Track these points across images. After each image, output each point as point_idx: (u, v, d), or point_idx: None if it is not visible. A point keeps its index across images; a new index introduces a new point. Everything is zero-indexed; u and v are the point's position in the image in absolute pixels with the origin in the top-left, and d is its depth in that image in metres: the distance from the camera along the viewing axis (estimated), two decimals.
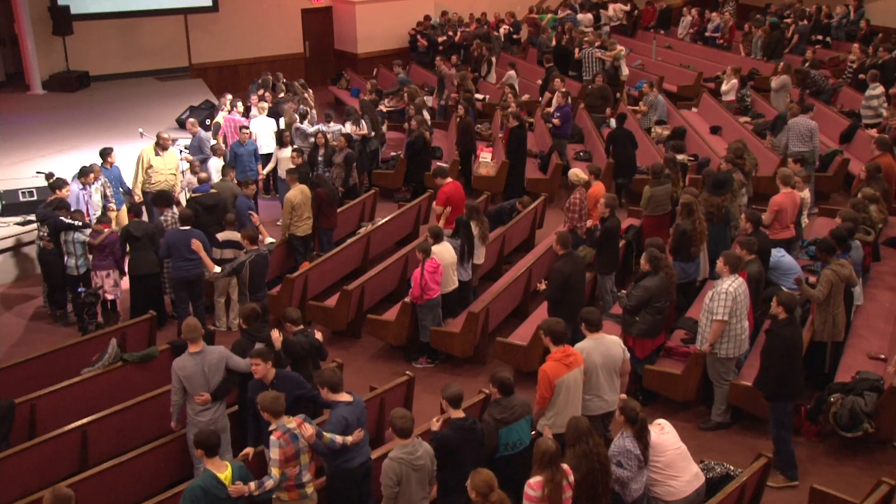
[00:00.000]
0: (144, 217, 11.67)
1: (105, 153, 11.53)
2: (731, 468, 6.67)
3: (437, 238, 9.40)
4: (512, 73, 17.74)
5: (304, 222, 10.96)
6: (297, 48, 21.44)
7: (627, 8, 22.95)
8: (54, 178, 10.71)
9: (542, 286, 8.88)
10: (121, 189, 11.72)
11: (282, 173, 12.87)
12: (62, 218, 9.84)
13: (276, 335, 7.45)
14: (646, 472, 6.17)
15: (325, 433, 6.13)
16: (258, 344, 7.27)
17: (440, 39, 20.54)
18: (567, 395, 6.74)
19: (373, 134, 14.22)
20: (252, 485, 5.87)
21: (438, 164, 13.66)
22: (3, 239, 11.37)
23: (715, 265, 8.62)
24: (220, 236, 9.93)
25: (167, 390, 7.69)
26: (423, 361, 9.59)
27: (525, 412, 6.47)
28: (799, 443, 7.83)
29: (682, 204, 9.57)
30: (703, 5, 23.37)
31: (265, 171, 13.38)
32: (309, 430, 6.08)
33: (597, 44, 18.17)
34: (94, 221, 10.37)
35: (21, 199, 11.82)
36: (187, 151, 13.14)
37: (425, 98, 16.39)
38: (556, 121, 14.58)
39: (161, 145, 11.80)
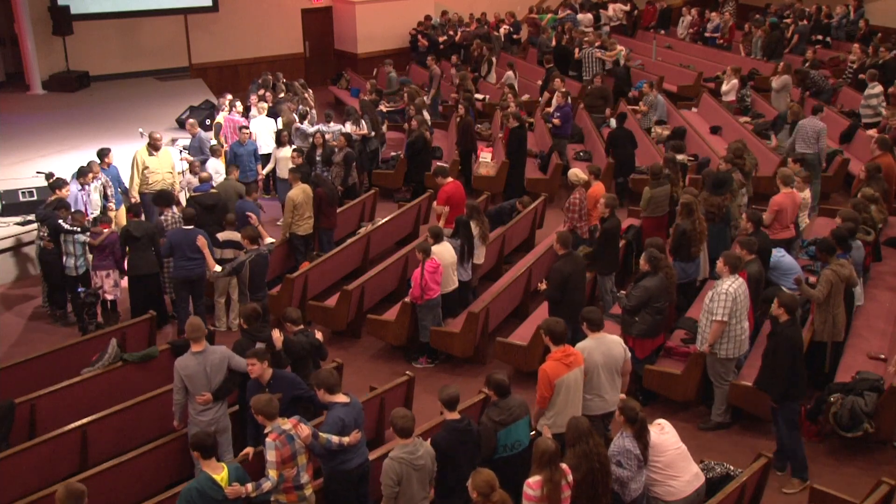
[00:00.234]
0: (143, 217, 11.66)
1: (102, 154, 11.53)
2: (731, 468, 6.66)
3: (437, 238, 9.40)
4: (509, 73, 17.74)
5: (305, 221, 10.96)
6: (297, 48, 21.44)
7: (627, 8, 22.95)
8: (54, 178, 10.71)
9: (543, 286, 8.88)
10: (119, 189, 11.73)
11: (280, 173, 12.89)
12: (61, 221, 9.84)
13: (276, 335, 7.45)
14: (645, 471, 6.17)
15: (321, 433, 6.13)
16: (259, 344, 7.27)
17: (441, 39, 20.55)
18: (567, 394, 6.74)
19: (373, 134, 14.22)
20: (249, 486, 5.86)
21: (438, 163, 13.65)
22: (3, 239, 11.37)
23: (715, 265, 8.61)
24: (221, 236, 9.93)
25: (167, 390, 7.70)
26: (423, 361, 9.59)
27: (523, 413, 6.47)
28: None
29: (681, 204, 9.57)
30: (703, 5, 23.37)
31: (264, 171, 13.38)
32: (305, 430, 6.08)
33: (597, 44, 18.18)
34: (93, 221, 10.38)
35: (21, 199, 11.83)
36: (187, 152, 13.14)
37: (425, 98, 16.40)
38: (556, 121, 14.58)
39: (153, 145, 11.80)
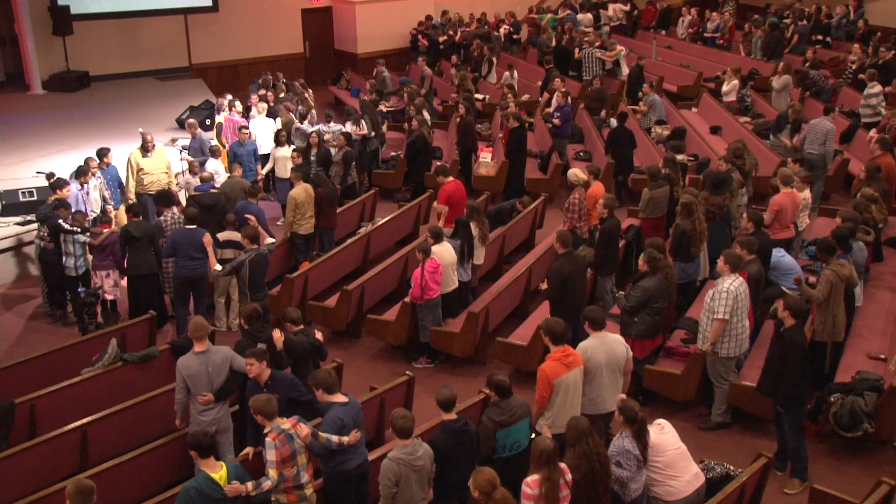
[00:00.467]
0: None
1: (101, 153, 11.54)
2: (731, 468, 6.66)
3: (438, 238, 9.40)
4: (506, 73, 17.76)
5: (306, 221, 10.96)
6: (297, 48, 21.44)
7: (627, 8, 22.95)
8: (55, 178, 10.72)
9: (544, 286, 8.88)
10: (119, 190, 11.73)
11: (278, 173, 12.87)
12: (61, 221, 9.84)
13: (277, 335, 7.46)
14: (645, 471, 6.17)
15: (321, 433, 6.13)
16: (260, 344, 7.27)
17: (441, 39, 20.55)
18: (566, 394, 6.74)
19: (373, 134, 14.21)
20: (249, 485, 5.86)
21: (439, 163, 13.65)
22: (3, 239, 11.37)
23: (715, 265, 8.61)
24: (221, 236, 9.93)
25: (167, 390, 7.71)
26: (423, 361, 9.59)
27: (524, 414, 6.47)
28: None
29: (681, 204, 9.56)
30: (703, 5, 23.37)
31: (264, 171, 13.38)
32: (304, 430, 6.08)
33: (597, 44, 18.18)
34: (93, 221, 10.38)
35: (21, 199, 11.83)
36: (187, 152, 13.14)
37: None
38: (556, 121, 14.60)
39: (144, 147, 11.79)
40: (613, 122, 14.81)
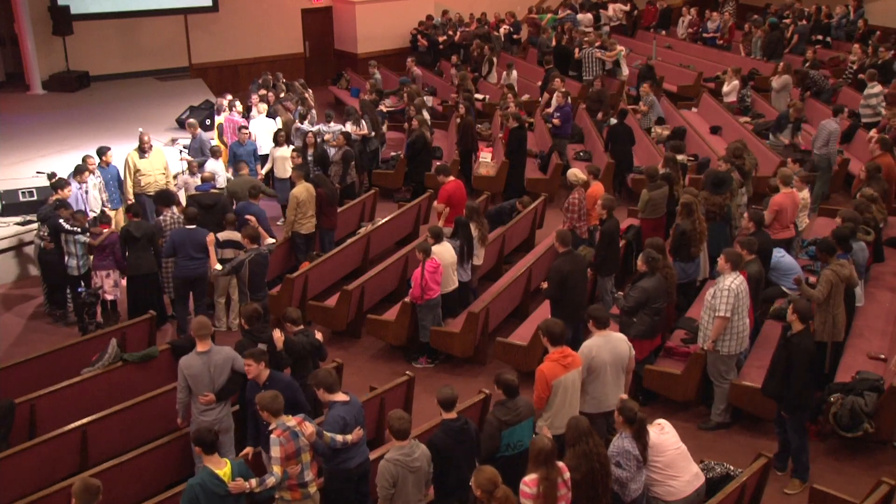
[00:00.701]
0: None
1: (101, 152, 11.54)
2: (731, 468, 6.67)
3: (438, 238, 9.40)
4: (505, 73, 17.77)
5: (308, 220, 10.96)
6: (297, 48, 21.44)
7: (627, 8, 22.94)
8: (56, 178, 10.72)
9: (545, 285, 8.89)
10: (119, 190, 11.73)
11: (277, 173, 12.85)
12: (62, 221, 9.84)
13: (277, 335, 7.46)
14: (645, 472, 6.17)
15: (325, 432, 6.13)
16: (260, 345, 7.27)
17: (440, 39, 20.55)
18: (565, 395, 6.74)
19: (373, 134, 14.21)
20: (253, 482, 5.87)
21: (439, 163, 13.65)
22: (2, 239, 11.37)
23: (715, 265, 8.61)
24: (221, 236, 9.93)
25: (167, 390, 7.72)
26: (423, 361, 9.59)
27: (529, 413, 6.47)
28: None
29: (682, 204, 9.57)
30: (703, 5, 23.37)
31: (263, 171, 13.37)
32: (309, 428, 6.09)
33: (597, 44, 18.18)
34: (93, 221, 10.38)
35: (21, 199, 11.83)
36: (187, 152, 13.13)
37: (426, 98, 16.40)
38: (556, 121, 14.60)
39: (141, 147, 11.79)
40: (614, 121, 14.81)
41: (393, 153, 14.86)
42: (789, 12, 21.08)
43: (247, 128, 13.14)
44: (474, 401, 7.55)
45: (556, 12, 22.74)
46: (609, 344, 7.05)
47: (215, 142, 13.49)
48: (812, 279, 9.01)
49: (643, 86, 16.21)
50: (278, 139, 12.93)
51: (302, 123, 13.95)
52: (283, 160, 12.61)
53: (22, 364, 8.35)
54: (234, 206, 10.91)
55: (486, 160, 14.09)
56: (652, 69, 17.45)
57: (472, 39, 20.02)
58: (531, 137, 15.07)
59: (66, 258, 10.02)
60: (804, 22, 20.31)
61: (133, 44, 19.52)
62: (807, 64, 17.11)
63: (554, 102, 15.17)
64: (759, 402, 7.86)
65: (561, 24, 20.57)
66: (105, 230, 10.00)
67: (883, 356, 8.44)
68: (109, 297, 10.16)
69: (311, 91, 16.43)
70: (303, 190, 10.87)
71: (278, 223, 12.50)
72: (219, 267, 9.54)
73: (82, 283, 10.14)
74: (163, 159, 12.10)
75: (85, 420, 7.36)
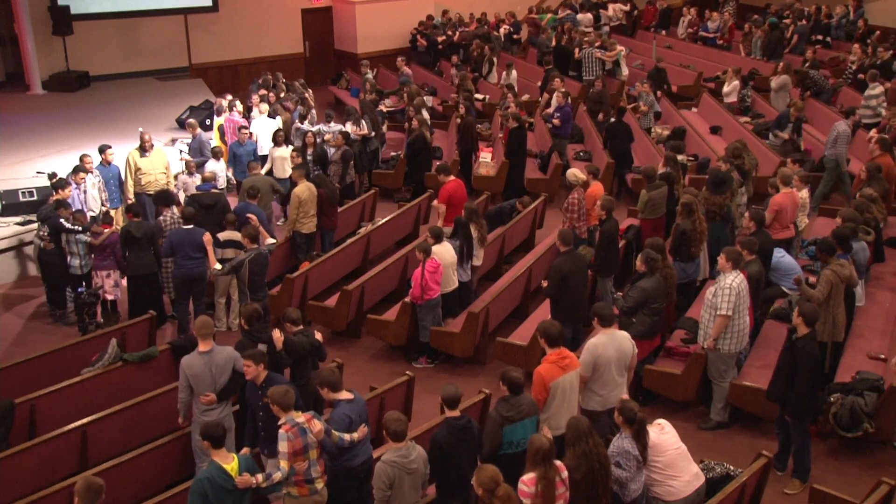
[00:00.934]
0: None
1: (102, 150, 11.54)
2: (731, 468, 6.67)
3: (438, 238, 9.40)
4: (505, 73, 17.77)
5: (310, 219, 10.97)
6: (297, 48, 21.44)
7: (627, 8, 22.94)
8: (57, 179, 10.73)
9: (545, 284, 8.89)
10: (119, 189, 11.73)
11: (276, 173, 12.84)
12: (62, 221, 9.85)
13: (277, 335, 7.45)
14: (644, 472, 6.17)
15: (334, 431, 6.15)
16: (260, 345, 7.27)
17: (439, 39, 20.55)
18: (563, 397, 6.75)
19: (373, 134, 14.21)
20: (259, 477, 5.89)
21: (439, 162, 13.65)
22: (2, 239, 11.37)
23: (715, 265, 8.61)
24: (221, 236, 9.93)
25: (167, 390, 7.72)
26: (423, 361, 9.59)
27: (532, 412, 6.45)
28: None
29: (682, 204, 9.57)
30: (703, 5, 23.37)
31: (263, 171, 13.34)
32: (317, 425, 6.10)
33: (597, 44, 18.18)
34: (92, 220, 10.38)
35: (21, 199, 11.83)
36: (186, 152, 13.13)
37: (426, 98, 16.40)
38: (556, 121, 14.60)
39: (142, 146, 11.80)
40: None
41: (393, 153, 14.86)
42: (789, 12, 21.08)
43: (247, 127, 13.14)
44: (474, 401, 7.55)
45: (556, 12, 22.74)
46: (614, 341, 7.08)
47: (215, 142, 13.47)
48: (812, 279, 9.01)
49: (644, 85, 16.21)
50: (277, 139, 12.92)
51: (302, 123, 13.94)
52: (283, 160, 12.61)
53: (22, 364, 8.35)
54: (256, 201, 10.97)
55: (486, 160, 14.10)
56: (661, 72, 17.32)
57: (472, 39, 20.02)
58: (531, 137, 15.07)
59: (69, 258, 10.03)
60: (804, 22, 20.31)
61: (133, 44, 19.52)
62: (806, 64, 17.11)
63: (554, 102, 15.17)
64: (759, 402, 7.86)
65: (561, 24, 20.57)
66: (106, 230, 10.00)
67: (883, 356, 8.44)
68: (110, 298, 10.17)
69: (311, 91, 16.43)
70: (304, 189, 10.88)
71: (279, 223, 12.50)
72: (218, 266, 9.55)
73: (83, 283, 10.14)
74: (164, 159, 12.10)
75: (85, 420, 7.36)
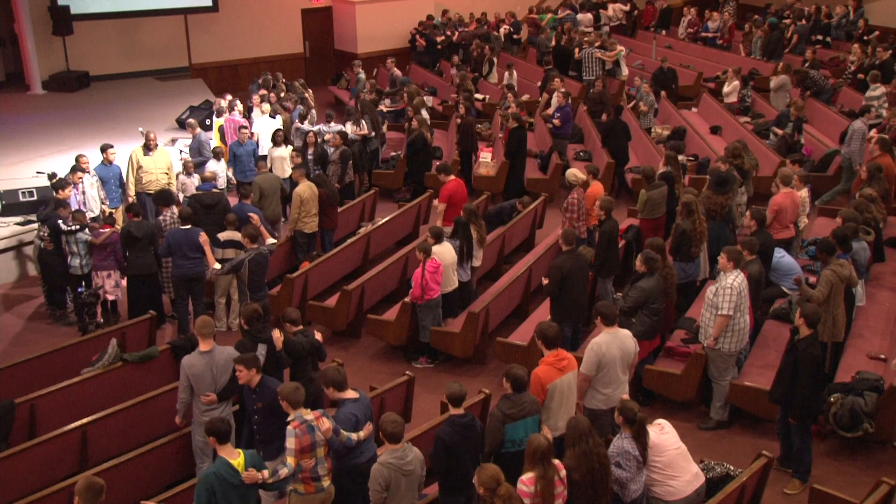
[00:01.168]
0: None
1: (103, 149, 11.55)
2: (731, 468, 6.67)
3: (438, 238, 9.40)
4: (507, 73, 17.77)
5: (311, 219, 10.98)
6: (297, 48, 21.44)
7: (627, 8, 22.94)
8: (57, 179, 10.73)
9: (545, 281, 8.90)
10: (120, 189, 11.73)
11: (276, 173, 12.85)
12: (60, 222, 9.84)
13: (277, 335, 7.45)
14: (645, 472, 6.17)
15: (342, 431, 6.16)
16: (260, 345, 7.27)
17: (438, 39, 20.55)
18: (561, 398, 6.76)
19: (373, 134, 14.21)
20: (265, 472, 5.90)
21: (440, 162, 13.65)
22: (2, 239, 11.37)
23: (715, 264, 8.61)
24: (222, 236, 9.93)
25: (167, 390, 7.72)
26: (423, 361, 9.59)
27: (533, 410, 6.45)
28: None
29: (682, 203, 9.58)
30: (703, 5, 23.38)
31: None
32: (326, 423, 6.11)
33: (597, 44, 18.18)
34: (92, 220, 10.38)
35: (21, 199, 11.84)
36: (187, 152, 13.12)
37: (426, 98, 16.40)
38: (556, 121, 14.60)
39: (147, 145, 11.80)
40: None
41: (393, 153, 14.86)
42: (789, 12, 21.08)
43: (247, 127, 13.13)
44: (474, 401, 7.55)
45: (556, 12, 22.74)
46: (617, 340, 7.10)
47: (215, 142, 13.47)
48: (812, 279, 9.01)
49: (644, 85, 16.20)
50: (276, 139, 12.91)
51: (302, 123, 13.94)
52: (282, 160, 12.61)
53: (22, 364, 8.35)
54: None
55: (486, 160, 14.09)
56: (668, 73, 17.18)
57: (471, 40, 20.02)
58: (531, 137, 15.07)
59: (69, 258, 10.03)
60: (804, 22, 20.31)
61: (133, 44, 19.52)
62: (806, 64, 17.10)
63: (554, 102, 15.17)
64: (759, 401, 7.86)
65: (561, 24, 20.57)
66: (107, 230, 10.00)
67: (883, 356, 8.44)
68: (110, 298, 10.17)
69: (311, 91, 16.44)
70: (306, 188, 10.88)
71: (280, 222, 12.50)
72: (218, 266, 9.54)
73: (82, 283, 10.14)
74: (167, 160, 12.09)
75: (85, 420, 7.36)
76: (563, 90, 15.12)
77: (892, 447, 7.85)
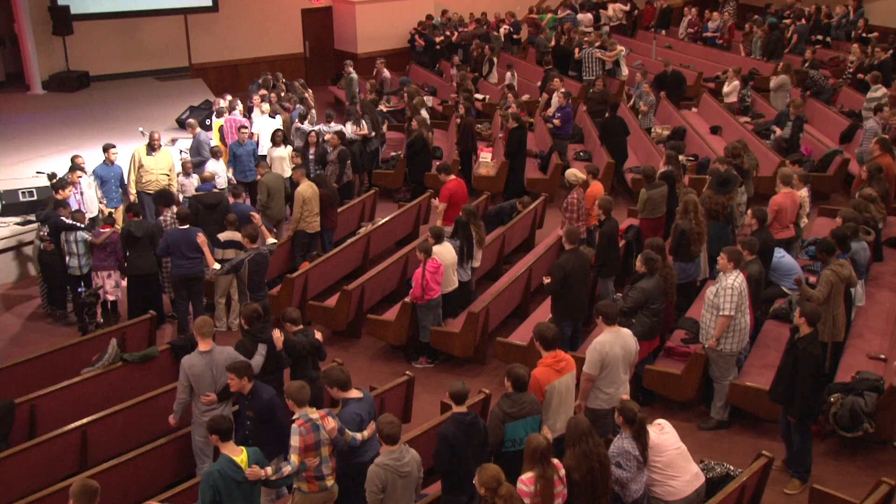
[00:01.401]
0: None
1: (105, 149, 11.55)
2: (731, 468, 6.67)
3: (439, 238, 9.40)
4: (508, 73, 17.78)
5: (313, 218, 10.98)
6: (297, 48, 21.44)
7: (627, 8, 22.95)
8: (56, 179, 10.72)
9: (547, 280, 8.90)
10: (121, 189, 11.73)
11: (276, 172, 12.85)
12: (63, 218, 9.85)
13: (277, 335, 7.45)
14: (646, 472, 6.17)
15: (347, 430, 6.16)
16: (260, 344, 7.27)
17: (437, 39, 20.56)
18: (559, 399, 6.76)
19: (373, 134, 14.21)
20: (269, 469, 5.90)
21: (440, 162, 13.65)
22: (3, 239, 11.37)
23: (715, 264, 8.61)
24: (222, 236, 9.93)
25: (167, 390, 7.71)
26: (423, 361, 9.59)
27: (533, 410, 6.45)
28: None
29: (682, 203, 9.58)
30: (703, 5, 23.38)
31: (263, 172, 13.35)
32: (331, 423, 6.12)
33: (597, 44, 18.18)
34: (91, 220, 10.37)
35: (21, 199, 11.83)
36: (186, 152, 13.12)
37: (426, 98, 16.40)
38: (556, 122, 14.60)
39: (151, 145, 11.80)
40: None
41: (393, 153, 14.86)
42: (789, 12, 21.08)
43: (246, 127, 13.12)
44: (474, 401, 7.54)
45: (555, 12, 22.74)
46: (619, 339, 7.11)
47: (215, 142, 13.47)
48: (812, 279, 9.01)
49: (644, 85, 16.20)
50: (275, 139, 12.91)
51: (302, 123, 13.93)
52: (281, 160, 12.60)
53: (22, 364, 8.35)
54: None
55: (486, 160, 14.09)
56: (675, 76, 17.14)
57: (471, 40, 20.02)
58: (531, 137, 15.07)
59: (68, 258, 10.03)
60: (804, 22, 20.31)
61: (133, 44, 19.52)
62: (806, 64, 17.10)
63: (555, 103, 15.17)
64: (759, 402, 7.86)
65: (561, 24, 20.57)
66: (107, 230, 10.00)
67: (883, 356, 8.44)
68: (110, 298, 10.16)
69: (311, 91, 16.43)
70: (307, 188, 10.89)
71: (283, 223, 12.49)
72: (217, 266, 9.54)
73: (82, 283, 10.14)
74: (169, 161, 12.08)
75: (85, 420, 7.36)
76: (563, 90, 15.11)
77: (892, 447, 7.85)
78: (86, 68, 18.89)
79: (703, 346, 8.11)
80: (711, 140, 14.79)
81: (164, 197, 10.56)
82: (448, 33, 20.76)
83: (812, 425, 7.47)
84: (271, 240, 9.97)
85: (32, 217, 11.35)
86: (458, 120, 14.39)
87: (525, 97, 17.21)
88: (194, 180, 11.79)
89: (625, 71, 18.41)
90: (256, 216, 10.07)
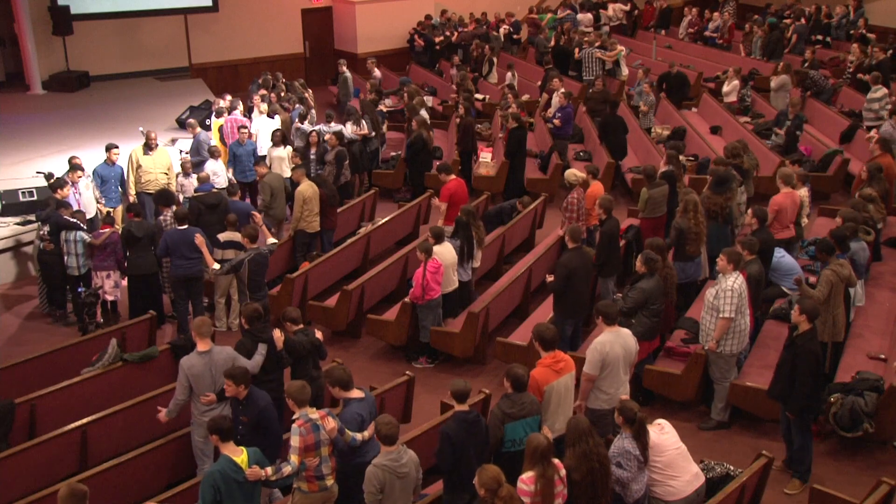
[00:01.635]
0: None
1: (107, 148, 11.55)
2: (731, 468, 6.67)
3: (439, 238, 9.40)
4: (508, 74, 17.78)
5: (314, 218, 10.98)
6: (297, 48, 21.45)
7: (627, 8, 22.96)
8: (55, 179, 10.72)
9: (550, 278, 8.90)
10: (121, 189, 11.73)
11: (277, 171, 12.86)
12: (66, 217, 9.85)
13: (277, 335, 7.45)
14: (646, 472, 6.17)
15: (347, 431, 6.16)
16: (261, 344, 7.27)
17: (437, 39, 20.56)
18: (558, 400, 6.76)
19: (373, 134, 14.21)
20: (269, 469, 5.90)
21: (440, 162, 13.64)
22: (2, 239, 11.37)
23: (715, 264, 8.61)
24: (222, 237, 9.93)
25: (167, 390, 7.70)
26: (423, 361, 9.59)
27: (533, 411, 6.45)
28: None
29: (682, 202, 9.58)
30: (703, 5, 23.38)
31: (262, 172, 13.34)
32: (331, 423, 6.12)
33: (597, 44, 18.19)
34: (91, 222, 10.38)
35: (21, 199, 11.83)
36: (186, 152, 13.12)
37: (426, 98, 16.40)
38: (557, 122, 14.60)
39: (148, 145, 11.80)
40: None
41: (393, 153, 14.87)
42: (789, 12, 21.09)
43: (246, 127, 13.12)
44: (475, 400, 7.54)
45: (555, 12, 22.75)
46: (620, 339, 7.11)
47: (214, 142, 13.47)
48: (812, 279, 9.01)
49: (644, 85, 16.19)
50: (275, 139, 12.90)
51: (302, 123, 13.93)
52: (280, 160, 12.60)
53: (22, 364, 8.35)
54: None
55: (486, 160, 14.09)
56: (679, 77, 17.10)
57: (471, 40, 20.02)
58: (531, 137, 15.07)
59: (66, 258, 10.02)
60: (804, 22, 20.31)
61: (133, 44, 19.52)
62: (806, 64, 17.10)
63: (555, 103, 15.17)
64: (759, 402, 7.86)
65: (560, 24, 20.58)
66: (107, 230, 10.00)
67: (883, 356, 8.44)
68: (110, 298, 10.16)
69: (310, 91, 16.43)
70: (308, 187, 10.89)
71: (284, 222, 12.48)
72: (217, 266, 9.54)
73: (82, 284, 10.14)
74: (167, 159, 12.09)
75: (85, 420, 7.36)
76: (563, 90, 15.11)
77: (892, 447, 7.86)
78: (86, 68, 18.89)
79: (703, 347, 8.10)
80: (711, 140, 14.79)
81: (164, 197, 10.55)
82: (448, 33, 20.76)
83: (812, 424, 7.47)
84: (271, 240, 9.97)
85: (32, 217, 11.34)
86: (458, 120, 14.39)
87: (525, 97, 17.21)
88: (194, 180, 11.79)
89: (625, 71, 18.42)
90: (258, 215, 10.07)
